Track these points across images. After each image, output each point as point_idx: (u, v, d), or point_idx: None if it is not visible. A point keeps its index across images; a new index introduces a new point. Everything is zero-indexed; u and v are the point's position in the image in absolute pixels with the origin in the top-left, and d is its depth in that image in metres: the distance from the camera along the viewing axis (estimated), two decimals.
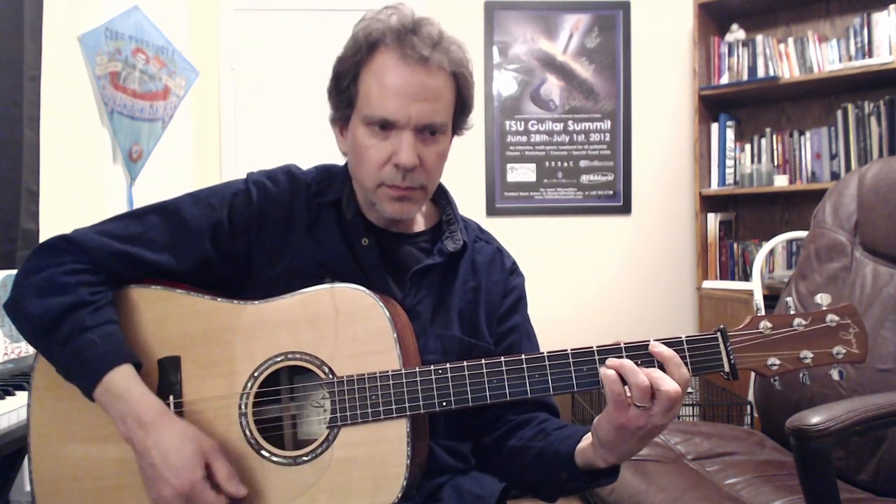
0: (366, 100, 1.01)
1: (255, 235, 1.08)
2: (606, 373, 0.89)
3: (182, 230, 1.05)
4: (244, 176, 1.13)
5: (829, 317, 0.92)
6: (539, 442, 1.05)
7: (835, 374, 0.92)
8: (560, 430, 1.05)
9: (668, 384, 0.86)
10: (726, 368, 0.91)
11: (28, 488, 1.04)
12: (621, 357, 0.91)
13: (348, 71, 1.03)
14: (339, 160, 1.16)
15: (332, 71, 1.07)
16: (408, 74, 0.99)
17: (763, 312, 2.40)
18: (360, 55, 1.02)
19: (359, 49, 1.02)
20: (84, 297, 0.98)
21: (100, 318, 0.97)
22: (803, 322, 0.91)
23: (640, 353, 0.91)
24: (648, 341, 0.92)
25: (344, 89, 1.04)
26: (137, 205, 2.45)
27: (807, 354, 0.91)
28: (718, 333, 0.92)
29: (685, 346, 0.91)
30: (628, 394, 0.88)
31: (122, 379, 0.95)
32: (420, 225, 1.15)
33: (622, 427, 0.88)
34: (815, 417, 1.18)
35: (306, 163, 1.18)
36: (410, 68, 0.99)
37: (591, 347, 0.93)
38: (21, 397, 1.37)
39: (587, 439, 0.97)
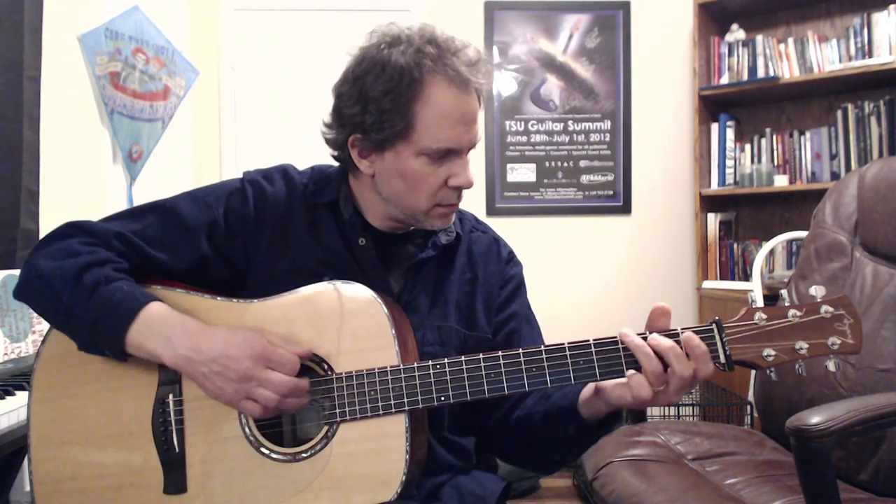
0: (425, 133, 0.99)
1: (252, 234, 1.08)
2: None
3: (179, 228, 1.06)
4: (240, 175, 1.13)
5: (824, 308, 0.92)
6: (542, 406, 1.07)
7: (831, 366, 0.93)
8: (559, 390, 1.06)
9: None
10: (722, 360, 0.92)
11: (28, 488, 1.04)
12: (617, 350, 0.93)
13: (398, 107, 0.99)
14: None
15: (350, 97, 1.02)
16: (463, 102, 1.01)
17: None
18: (413, 89, 0.98)
19: (409, 82, 0.98)
20: (103, 257, 1.00)
21: (122, 275, 0.99)
22: (798, 313, 0.92)
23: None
24: (646, 333, 0.93)
25: (387, 124, 1.00)
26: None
27: (802, 345, 0.91)
28: (714, 325, 0.93)
29: (682, 335, 0.92)
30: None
31: (161, 308, 0.97)
32: None
33: (643, 403, 0.91)
34: (815, 417, 1.18)
35: (306, 163, 1.18)
36: (463, 95, 1.00)
37: (588, 341, 0.94)
38: (21, 397, 1.37)
39: (589, 390, 1.00)
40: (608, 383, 0.95)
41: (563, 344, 0.95)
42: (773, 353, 0.92)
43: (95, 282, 0.96)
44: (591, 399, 0.99)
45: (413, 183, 1.03)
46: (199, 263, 1.06)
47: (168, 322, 0.95)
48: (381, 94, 0.99)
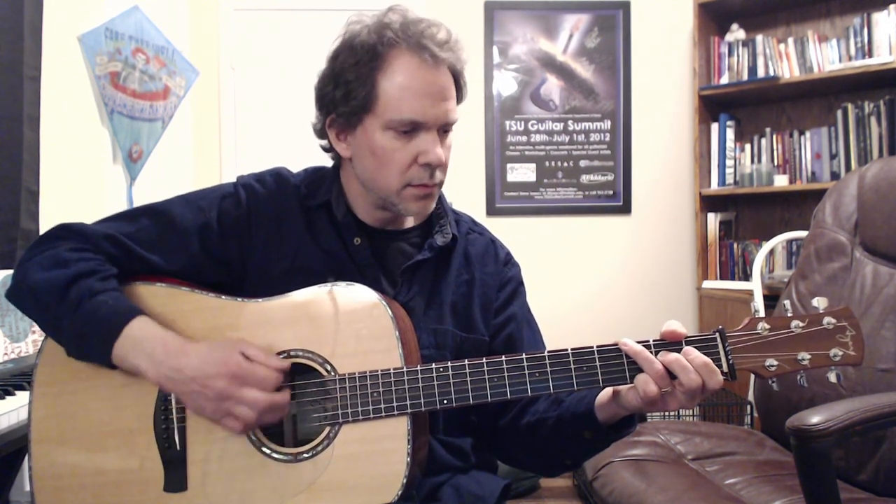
0: (388, 105, 1.01)
1: (246, 236, 1.09)
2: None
3: (171, 231, 1.07)
4: (234, 179, 1.14)
5: (826, 319, 0.92)
6: (554, 411, 1.07)
7: (832, 377, 0.93)
8: (572, 395, 1.06)
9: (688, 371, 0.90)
10: (725, 368, 0.92)
11: (28, 488, 1.04)
12: (620, 357, 0.93)
13: (361, 77, 1.01)
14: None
15: (325, 78, 1.06)
16: (428, 75, 1.01)
17: (762, 312, 2.40)
18: (375, 60, 1.01)
19: (372, 54, 1.01)
20: (91, 267, 1.00)
21: (108, 286, 0.99)
22: (801, 324, 0.92)
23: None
24: (649, 340, 0.93)
25: (352, 96, 1.02)
26: (137, 205, 2.45)
27: (804, 356, 0.92)
28: (717, 334, 0.93)
29: (684, 347, 0.92)
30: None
31: (144, 324, 0.97)
32: (410, 221, 1.16)
33: (652, 401, 0.91)
34: (815, 417, 1.18)
35: (306, 163, 1.18)
36: (429, 69, 1.01)
37: (592, 347, 0.94)
38: (21, 397, 1.37)
39: (606, 394, 0.99)
40: (623, 386, 0.95)
41: (567, 350, 0.95)
42: (775, 363, 0.92)
43: (80, 296, 0.96)
44: (607, 403, 0.99)
45: (381, 159, 1.03)
46: (192, 266, 1.07)
47: (151, 338, 0.96)
48: (348, 69, 1.02)
